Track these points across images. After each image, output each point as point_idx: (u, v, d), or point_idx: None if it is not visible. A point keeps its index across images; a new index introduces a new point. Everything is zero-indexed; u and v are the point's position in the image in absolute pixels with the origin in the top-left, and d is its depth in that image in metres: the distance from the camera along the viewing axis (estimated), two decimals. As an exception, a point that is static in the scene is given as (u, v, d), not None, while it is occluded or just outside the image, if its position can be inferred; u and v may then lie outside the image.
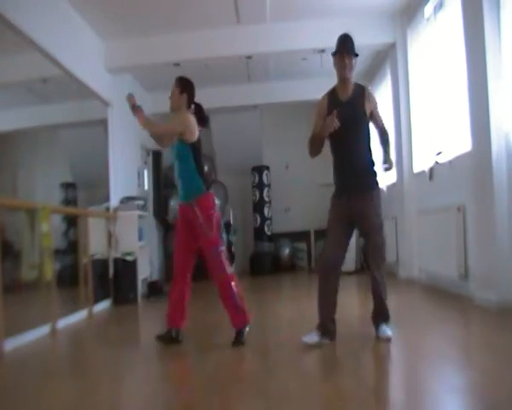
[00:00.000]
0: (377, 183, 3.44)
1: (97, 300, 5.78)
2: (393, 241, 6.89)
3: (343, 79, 3.35)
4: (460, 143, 4.78)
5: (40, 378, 3.01)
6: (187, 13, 6.04)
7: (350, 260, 6.81)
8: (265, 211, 9.76)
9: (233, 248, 9.58)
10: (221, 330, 4.17)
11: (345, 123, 3.22)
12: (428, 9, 5.62)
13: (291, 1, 5.99)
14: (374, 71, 8.16)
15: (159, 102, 6.51)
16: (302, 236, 9.88)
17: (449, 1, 5.03)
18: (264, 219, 9.73)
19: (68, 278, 6.55)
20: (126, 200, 6.67)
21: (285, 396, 2.34)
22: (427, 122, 5.92)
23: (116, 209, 6.60)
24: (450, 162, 4.99)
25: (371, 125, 3.45)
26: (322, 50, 6.50)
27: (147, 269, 7.22)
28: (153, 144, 7.98)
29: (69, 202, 9.59)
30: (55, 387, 2.85)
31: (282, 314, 4.92)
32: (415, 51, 6.26)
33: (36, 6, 4.73)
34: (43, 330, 4.33)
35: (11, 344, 3.72)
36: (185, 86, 3.67)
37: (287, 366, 2.90)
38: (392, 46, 6.63)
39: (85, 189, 9.62)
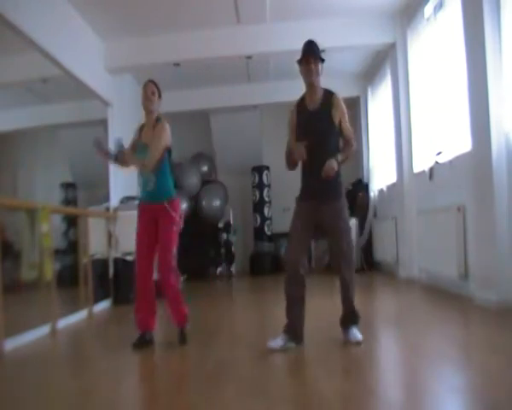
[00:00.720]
0: (342, 193, 3.38)
1: (97, 300, 5.77)
2: (393, 241, 6.89)
3: (310, 85, 3.31)
4: (460, 142, 4.78)
5: (40, 378, 3.01)
6: (187, 13, 6.04)
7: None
8: (265, 211, 9.76)
9: (233, 248, 9.58)
10: (221, 330, 4.17)
11: (312, 134, 3.24)
12: (428, 9, 5.62)
13: (291, 1, 5.99)
14: (374, 71, 8.16)
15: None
16: (302, 236, 9.86)
17: (449, 1, 5.03)
18: (264, 219, 9.73)
19: (68, 278, 6.55)
20: (126, 200, 6.66)
21: (285, 396, 2.34)
22: (427, 122, 5.92)
23: (116, 209, 6.60)
24: (451, 162, 5.00)
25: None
26: (322, 50, 6.47)
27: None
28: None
29: (69, 202, 9.60)
30: (55, 387, 2.85)
31: (282, 314, 4.90)
32: (415, 51, 6.26)
33: (36, 6, 4.73)
34: (43, 330, 4.32)
35: (11, 344, 3.72)
36: (160, 91, 3.68)
37: (286, 366, 2.90)
38: (392, 46, 6.63)
39: (85, 189, 9.63)
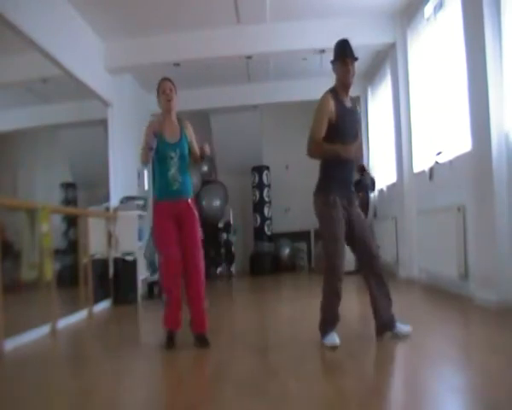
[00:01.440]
0: None
1: (97, 300, 5.78)
2: (393, 241, 6.89)
3: (346, 85, 3.30)
4: (460, 143, 4.78)
5: (40, 378, 3.01)
6: (187, 13, 6.04)
7: (350, 259, 6.83)
8: (265, 211, 9.77)
9: (233, 248, 9.59)
10: (221, 330, 4.17)
11: (350, 130, 3.26)
12: (428, 9, 5.62)
13: (291, 1, 5.99)
14: (374, 71, 8.16)
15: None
16: (302, 236, 9.88)
17: (449, 1, 5.03)
18: (264, 219, 9.73)
19: (68, 278, 6.56)
20: (126, 200, 6.67)
21: (285, 396, 2.34)
22: (427, 122, 5.92)
23: (116, 209, 6.60)
24: (451, 162, 5.00)
25: None
26: (322, 50, 6.51)
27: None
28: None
29: (69, 202, 9.60)
30: (55, 387, 2.85)
31: (282, 314, 4.92)
32: (415, 51, 6.26)
33: (36, 6, 4.73)
34: (43, 330, 4.33)
35: (11, 344, 3.73)
36: (175, 88, 3.69)
37: (287, 366, 2.90)
38: (392, 46, 6.63)
39: (85, 189, 9.63)
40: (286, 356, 3.11)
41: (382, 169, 7.99)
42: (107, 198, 6.88)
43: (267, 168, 9.86)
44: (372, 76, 8.37)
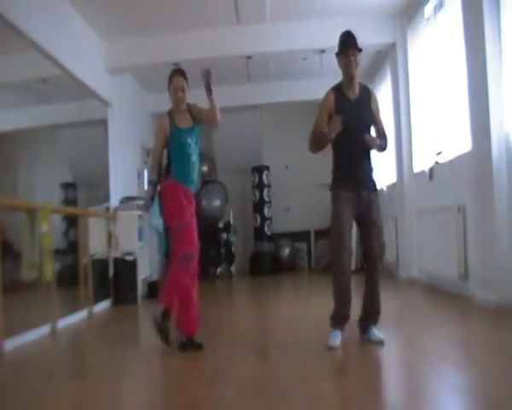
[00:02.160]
0: (377, 187, 3.42)
1: (97, 300, 5.78)
2: (393, 241, 6.89)
3: (350, 77, 3.29)
4: (460, 143, 4.78)
5: (40, 378, 3.01)
6: (187, 13, 6.04)
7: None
8: (265, 211, 9.76)
9: (233, 248, 9.59)
10: (221, 330, 4.17)
11: (355, 122, 3.21)
12: (428, 9, 5.62)
13: (291, 1, 5.99)
14: (374, 71, 8.16)
15: (159, 103, 6.51)
16: (302, 236, 9.88)
17: (449, 1, 5.03)
18: (264, 219, 9.73)
19: (68, 278, 6.55)
20: (126, 200, 6.67)
21: (285, 396, 2.35)
22: (427, 122, 5.92)
23: (116, 209, 6.60)
24: (451, 162, 5.00)
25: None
26: (322, 50, 6.51)
27: (147, 269, 7.22)
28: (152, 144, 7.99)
29: (69, 202, 9.60)
30: (55, 387, 2.85)
31: (282, 314, 4.92)
32: (415, 51, 6.26)
33: (36, 6, 4.73)
34: (43, 330, 4.33)
35: (11, 344, 3.72)
36: (188, 82, 3.67)
37: (287, 366, 2.90)
38: (392, 46, 6.63)
39: (85, 189, 9.62)
40: (286, 356, 3.11)
41: (382, 169, 7.98)
42: (107, 198, 6.88)
43: (267, 168, 9.86)
44: (372, 76, 8.36)
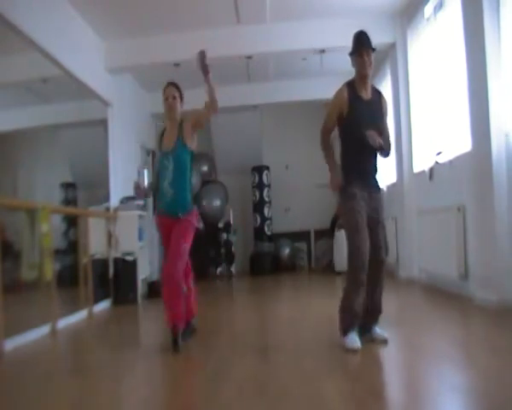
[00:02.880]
0: None
1: (97, 300, 5.78)
2: (393, 241, 6.89)
3: (364, 77, 3.30)
4: (460, 143, 4.78)
5: (40, 378, 3.01)
6: (187, 13, 6.04)
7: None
8: (265, 211, 9.77)
9: (233, 248, 9.59)
10: (221, 330, 4.17)
11: (367, 123, 3.20)
12: (428, 9, 5.62)
13: (291, 1, 5.99)
14: (374, 71, 8.11)
15: (159, 103, 6.51)
16: (302, 236, 9.89)
17: (449, 1, 5.03)
18: (264, 219, 9.73)
19: (68, 278, 6.55)
20: (126, 200, 6.67)
21: (285, 396, 2.34)
22: (427, 122, 5.92)
23: (116, 209, 6.60)
24: (451, 162, 5.00)
25: None
26: (322, 50, 6.50)
27: (147, 269, 7.23)
28: (153, 145, 8.00)
29: (69, 202, 9.60)
30: (55, 387, 2.85)
31: (282, 314, 4.92)
32: (415, 51, 6.26)
33: (36, 6, 4.73)
34: (43, 330, 4.33)
35: (11, 344, 3.73)
36: (182, 93, 3.67)
37: (287, 366, 2.90)
38: (392, 46, 6.63)
39: (85, 189, 9.62)
40: (286, 356, 3.11)
41: (382, 169, 7.99)
42: (107, 198, 6.88)
43: (267, 168, 9.86)
44: (372, 76, 8.33)
